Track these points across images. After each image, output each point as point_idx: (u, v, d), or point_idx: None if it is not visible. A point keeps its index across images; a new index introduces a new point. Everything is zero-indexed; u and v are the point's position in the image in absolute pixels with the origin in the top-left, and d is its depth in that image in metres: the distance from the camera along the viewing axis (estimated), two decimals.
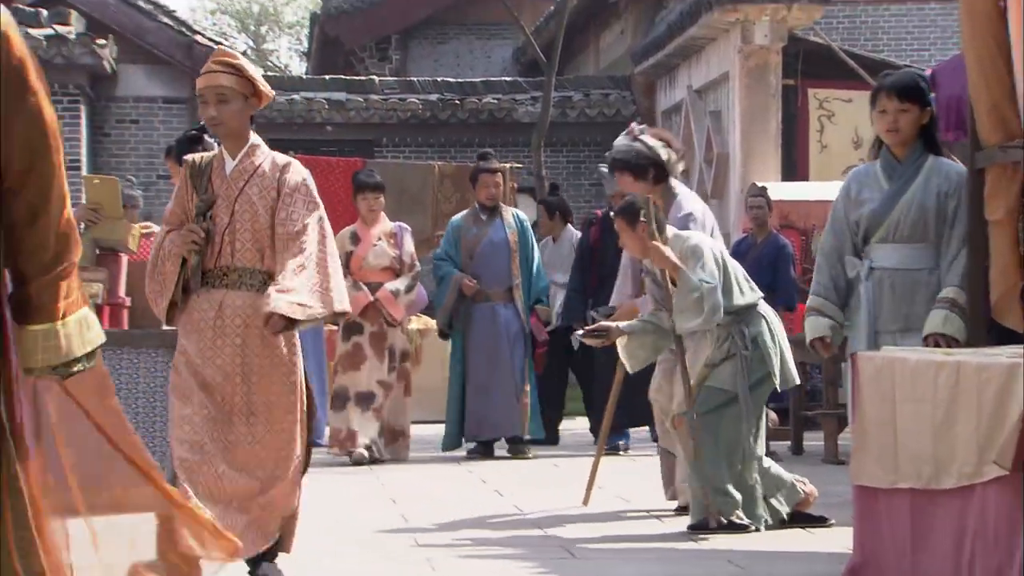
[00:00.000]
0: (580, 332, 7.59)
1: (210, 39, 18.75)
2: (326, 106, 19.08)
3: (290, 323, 5.65)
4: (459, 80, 20.31)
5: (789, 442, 11.01)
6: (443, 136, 19.26)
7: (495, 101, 19.44)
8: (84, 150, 17.22)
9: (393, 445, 10.75)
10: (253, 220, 5.80)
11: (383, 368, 10.70)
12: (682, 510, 7.45)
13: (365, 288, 10.69)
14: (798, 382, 7.50)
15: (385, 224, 10.98)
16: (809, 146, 16.14)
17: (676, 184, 7.81)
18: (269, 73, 27.83)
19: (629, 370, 7.51)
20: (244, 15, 44.70)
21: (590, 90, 19.65)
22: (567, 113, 19.18)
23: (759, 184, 13.03)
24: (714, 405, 7.07)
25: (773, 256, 11.91)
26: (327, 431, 10.96)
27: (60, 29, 16.92)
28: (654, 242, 7.05)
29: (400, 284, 10.78)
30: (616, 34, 21.19)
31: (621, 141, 7.70)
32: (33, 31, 16.78)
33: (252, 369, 5.78)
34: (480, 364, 11.00)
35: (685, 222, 7.50)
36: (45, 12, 17.16)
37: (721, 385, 7.08)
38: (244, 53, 19.35)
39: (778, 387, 7.23)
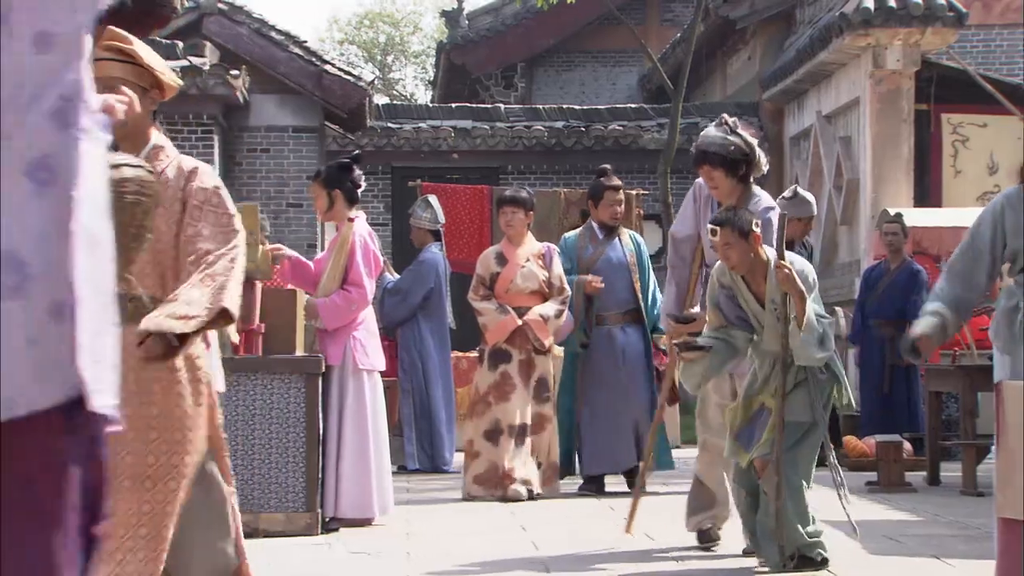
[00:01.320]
0: (678, 344, 6.96)
1: (339, 69, 18.92)
2: (452, 134, 19.18)
3: (169, 349, 4.44)
4: (584, 107, 20.31)
5: (925, 472, 10.82)
6: (568, 163, 19.26)
7: (620, 128, 19.40)
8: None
9: (551, 485, 9.99)
10: (154, 238, 4.60)
11: (531, 398, 9.93)
12: (749, 553, 7.06)
13: (512, 312, 9.97)
14: (856, 405, 7.14)
15: (533, 244, 10.22)
16: (943, 172, 15.91)
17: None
18: (396, 102, 28.07)
19: (690, 390, 7.08)
20: (371, 45, 45.16)
21: (717, 116, 19.53)
22: (693, 139, 19.01)
23: (893, 211, 12.87)
24: (793, 441, 6.64)
25: (907, 283, 11.75)
26: (453, 460, 10.65)
27: (195, 60, 17.19)
28: (784, 263, 6.56)
29: (550, 309, 9.97)
30: (743, 60, 21.07)
31: (715, 133, 7.25)
32: (169, 63, 17.00)
33: (150, 423, 4.65)
34: (595, 392, 10.15)
35: (767, 215, 7.11)
36: (180, 44, 17.44)
37: (797, 417, 6.64)
38: (371, 83, 19.48)
39: (855, 407, 7.03)
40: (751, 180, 7.26)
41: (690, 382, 6.90)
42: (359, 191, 8.90)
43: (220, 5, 18.47)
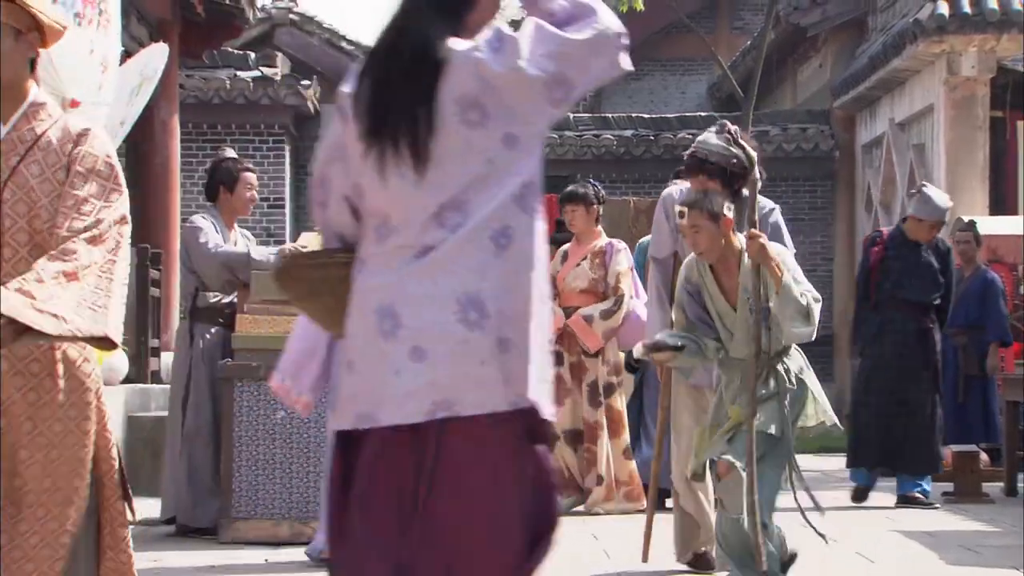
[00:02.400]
0: (639, 349, 6.54)
1: None
2: None
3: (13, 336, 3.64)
4: (653, 116, 20.27)
5: (1002, 483, 10.69)
6: (638, 172, 19.23)
7: (690, 136, 19.28)
8: (288, 188, 17.54)
9: (610, 502, 9.49)
10: (31, 212, 3.90)
11: (584, 403, 9.54)
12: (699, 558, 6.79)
13: (561, 312, 9.53)
14: (836, 421, 6.27)
15: (598, 242, 9.70)
16: (1019, 179, 15.75)
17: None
18: None
19: (685, 378, 6.72)
20: None
21: (787, 124, 19.45)
22: (764, 148, 18.99)
23: (966, 219, 12.74)
24: (760, 452, 5.96)
25: (981, 291, 11.62)
26: None
27: (267, 71, 17.31)
28: (755, 231, 5.94)
29: (594, 309, 9.51)
30: (814, 67, 20.96)
31: (716, 141, 6.56)
32: (241, 73, 17.19)
33: (21, 440, 3.89)
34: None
35: (772, 217, 6.76)
36: (253, 55, 17.57)
37: (767, 429, 5.98)
38: None
39: (834, 424, 6.16)
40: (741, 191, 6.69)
41: (686, 374, 6.67)
42: None
43: (292, 16, 18.60)
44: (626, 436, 9.63)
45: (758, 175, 6.31)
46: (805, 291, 5.91)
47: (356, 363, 3.02)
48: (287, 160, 17.55)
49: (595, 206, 9.62)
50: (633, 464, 9.60)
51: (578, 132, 19.33)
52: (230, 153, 8.77)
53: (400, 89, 3.01)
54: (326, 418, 8.12)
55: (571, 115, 20.35)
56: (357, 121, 3.08)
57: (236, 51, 17.27)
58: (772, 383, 6.02)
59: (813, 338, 5.93)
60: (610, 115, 20.46)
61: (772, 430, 5.95)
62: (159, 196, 12.88)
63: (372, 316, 3.00)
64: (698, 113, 21.04)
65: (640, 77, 25.19)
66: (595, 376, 9.58)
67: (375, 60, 3.10)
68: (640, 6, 16.19)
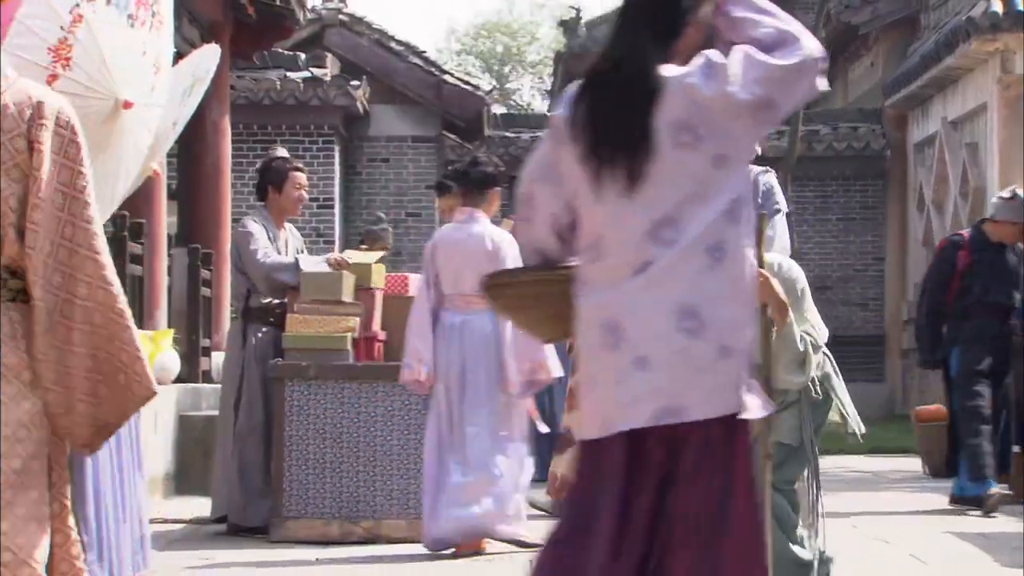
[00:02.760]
0: None
1: (458, 79, 19.00)
2: None
3: None
4: None
5: None
6: None
7: None
8: (337, 188, 17.60)
9: None
10: None
11: None
12: None
13: None
14: (863, 430, 5.95)
15: None
16: None
17: None
18: (513, 111, 28.16)
19: None
20: (488, 56, 45.35)
21: (838, 123, 19.35)
22: (814, 147, 18.92)
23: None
24: (776, 462, 5.55)
25: None
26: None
27: (316, 72, 17.37)
28: (762, 272, 5.40)
29: None
30: (866, 66, 20.84)
31: None
32: (291, 74, 17.26)
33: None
34: None
35: (761, 178, 6.26)
36: (303, 56, 17.63)
37: (785, 439, 5.66)
38: (489, 92, 19.55)
39: (858, 433, 5.86)
40: None
41: None
42: None
43: (341, 17, 18.64)
44: None
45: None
46: (807, 334, 5.57)
47: (591, 376, 3.28)
48: (336, 160, 17.59)
49: None
50: None
51: None
52: (281, 152, 8.82)
53: (618, 114, 3.23)
54: (375, 418, 8.16)
55: None
56: (574, 144, 3.29)
57: (286, 52, 17.33)
58: (792, 392, 5.68)
59: (804, 384, 5.61)
60: None
61: (790, 440, 5.68)
62: (210, 197, 12.94)
63: (597, 331, 3.24)
64: None
65: None
66: None
67: (592, 87, 3.31)
68: None
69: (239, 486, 8.27)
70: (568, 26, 26.46)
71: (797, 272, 5.77)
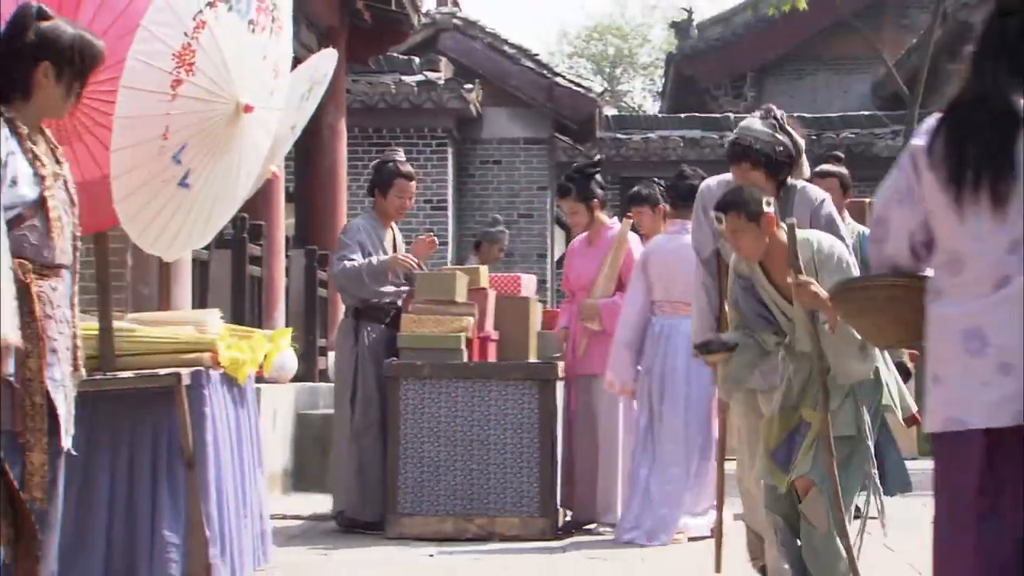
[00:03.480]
0: (698, 346, 5.99)
1: (570, 81, 19.07)
2: (681, 144, 19.21)
3: None
4: (816, 115, 20.10)
5: None
6: None
7: (853, 135, 19.18)
8: (450, 190, 17.75)
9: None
10: None
11: None
12: None
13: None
14: (915, 409, 5.78)
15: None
16: None
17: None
18: (623, 113, 28.20)
19: (725, 397, 6.14)
20: (600, 58, 45.37)
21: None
22: None
23: None
24: (841, 459, 5.49)
25: None
26: None
27: (431, 75, 17.53)
28: (803, 278, 5.40)
29: None
30: None
31: (761, 127, 6.03)
32: (406, 78, 17.44)
33: None
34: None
35: (824, 210, 6.08)
36: (417, 60, 17.81)
37: (841, 431, 5.51)
38: (601, 94, 19.62)
39: (900, 418, 5.73)
40: (787, 182, 6.15)
41: (724, 388, 5.96)
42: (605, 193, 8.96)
43: (455, 21, 18.80)
44: None
45: (794, 216, 5.71)
46: None
47: (941, 377, 3.59)
48: (450, 162, 17.75)
49: (660, 206, 9.27)
50: None
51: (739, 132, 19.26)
52: (397, 156, 8.83)
53: (982, 142, 3.54)
54: (488, 417, 8.25)
55: (731, 115, 20.28)
56: (934, 170, 3.60)
57: (401, 56, 17.51)
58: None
59: (871, 375, 5.52)
60: None
61: (849, 431, 5.53)
62: (326, 199, 13.13)
63: (956, 338, 3.56)
64: (862, 112, 20.81)
65: (802, 76, 24.99)
66: None
67: (955, 119, 3.61)
68: (803, 5, 16.10)
69: (356, 483, 8.40)
70: (680, 28, 26.44)
71: (836, 245, 5.63)
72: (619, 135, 20.30)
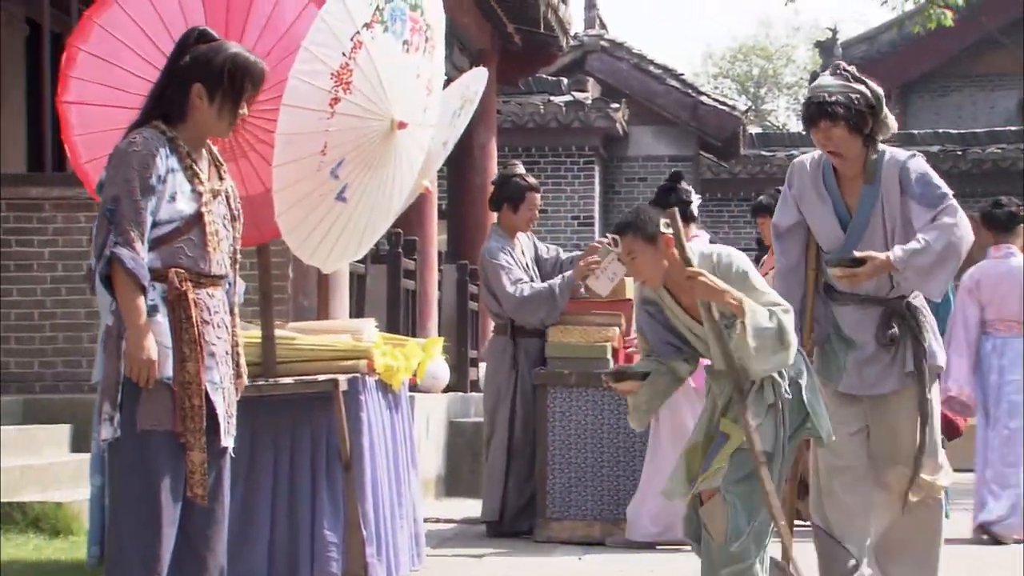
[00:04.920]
0: (607, 374, 5.57)
1: (714, 99, 19.16)
2: None
3: None
4: (961, 131, 19.94)
5: None
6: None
7: (999, 151, 19.00)
8: (597, 207, 17.92)
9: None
10: None
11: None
12: None
13: None
14: (835, 437, 5.42)
15: None
16: None
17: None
18: (768, 131, 28.15)
19: (637, 427, 5.61)
20: (744, 78, 45.20)
21: None
22: None
23: None
24: (745, 472, 5.20)
25: None
26: None
27: (578, 95, 17.75)
28: (693, 270, 5.11)
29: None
30: None
31: (832, 81, 5.58)
32: (554, 98, 17.66)
33: None
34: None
35: (911, 162, 5.57)
36: (565, 80, 18.03)
37: (761, 445, 5.20)
38: (745, 112, 19.66)
39: (824, 441, 5.33)
40: (877, 142, 5.63)
41: (635, 417, 5.47)
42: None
43: (602, 43, 19.00)
44: None
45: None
46: (770, 305, 5.13)
47: None
48: (596, 180, 17.91)
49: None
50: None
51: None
52: (519, 169, 8.77)
53: None
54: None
55: None
56: None
57: (550, 77, 17.73)
58: (769, 392, 5.21)
59: (791, 361, 5.15)
60: (916, 131, 20.22)
61: (767, 447, 5.18)
62: (477, 215, 13.32)
63: None
64: (1008, 128, 20.59)
65: (947, 93, 24.74)
66: None
67: None
68: (949, 22, 16.02)
69: (506, 488, 8.56)
70: (824, 47, 26.32)
71: (735, 256, 5.28)
72: (763, 152, 20.32)
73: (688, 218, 8.48)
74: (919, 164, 5.61)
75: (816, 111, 5.51)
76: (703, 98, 18.79)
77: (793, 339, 5.13)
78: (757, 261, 9.11)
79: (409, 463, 6.84)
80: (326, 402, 6.10)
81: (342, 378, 6.10)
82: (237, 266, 4.71)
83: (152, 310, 4.41)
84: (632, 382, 5.36)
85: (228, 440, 4.58)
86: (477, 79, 7.08)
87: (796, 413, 5.25)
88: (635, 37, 53.53)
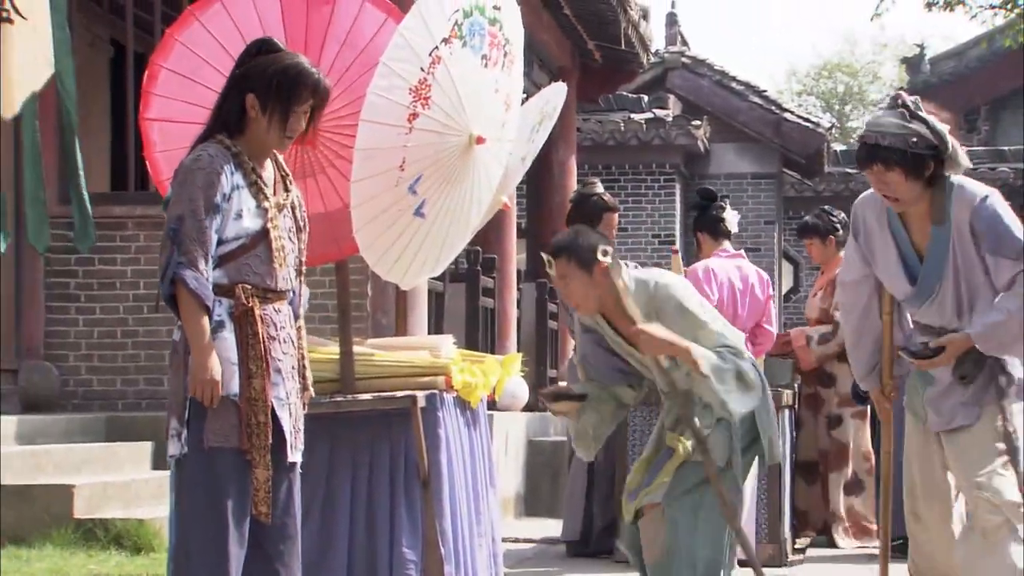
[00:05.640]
0: (543, 395, 5.48)
1: (798, 116, 19.04)
2: None
3: None
4: None
5: None
6: None
7: None
8: (678, 226, 17.86)
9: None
10: None
11: (822, 435, 9.23)
12: None
13: (791, 333, 9.34)
14: (775, 460, 5.32)
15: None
16: None
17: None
18: (853, 149, 28.02)
19: (584, 456, 5.54)
20: (829, 95, 44.97)
21: None
22: None
23: None
24: (694, 483, 5.13)
25: None
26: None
27: (659, 113, 17.71)
28: (636, 328, 5.00)
29: (814, 331, 9.17)
30: None
31: (889, 119, 5.04)
32: (635, 115, 17.63)
33: None
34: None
35: (990, 212, 5.00)
36: (646, 97, 18.00)
37: (714, 458, 5.15)
38: (829, 129, 19.51)
39: (766, 460, 5.25)
40: (946, 178, 5.10)
41: (581, 444, 5.41)
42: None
43: (683, 60, 18.95)
44: (848, 470, 9.23)
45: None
46: (719, 348, 5.02)
47: None
48: (677, 198, 17.85)
49: (832, 236, 9.22)
50: (856, 499, 9.24)
51: (972, 166, 18.99)
52: (598, 188, 8.68)
53: None
54: None
55: (964, 149, 19.99)
56: None
57: (630, 94, 17.71)
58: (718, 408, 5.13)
59: (762, 399, 5.06)
60: (1006, 148, 20.01)
61: (720, 462, 5.12)
62: (556, 233, 13.32)
63: None
64: None
65: None
66: (831, 408, 9.22)
67: None
68: None
69: (586, 508, 8.52)
70: (911, 63, 26.14)
71: (674, 285, 5.17)
72: (848, 170, 20.16)
73: (721, 234, 8.51)
74: (992, 208, 5.06)
75: (868, 154, 5.05)
76: (786, 115, 18.68)
77: (754, 379, 5.03)
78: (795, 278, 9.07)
79: (487, 481, 6.81)
80: (404, 418, 6.08)
81: (420, 394, 6.08)
82: (302, 276, 4.70)
83: (219, 326, 4.42)
84: (569, 403, 5.28)
85: (296, 455, 4.58)
86: (556, 94, 7.06)
87: (748, 430, 5.15)
88: (717, 54, 53.41)
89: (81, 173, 6.45)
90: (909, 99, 5.08)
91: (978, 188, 5.08)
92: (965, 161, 5.12)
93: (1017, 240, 4.98)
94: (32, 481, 7.35)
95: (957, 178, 5.11)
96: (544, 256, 5.37)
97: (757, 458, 5.32)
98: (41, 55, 6.12)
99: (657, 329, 4.99)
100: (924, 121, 5.03)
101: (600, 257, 5.12)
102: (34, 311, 9.45)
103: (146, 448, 8.63)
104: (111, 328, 9.42)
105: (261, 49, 4.55)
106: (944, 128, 5.11)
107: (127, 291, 9.46)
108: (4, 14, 5.99)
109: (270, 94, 4.46)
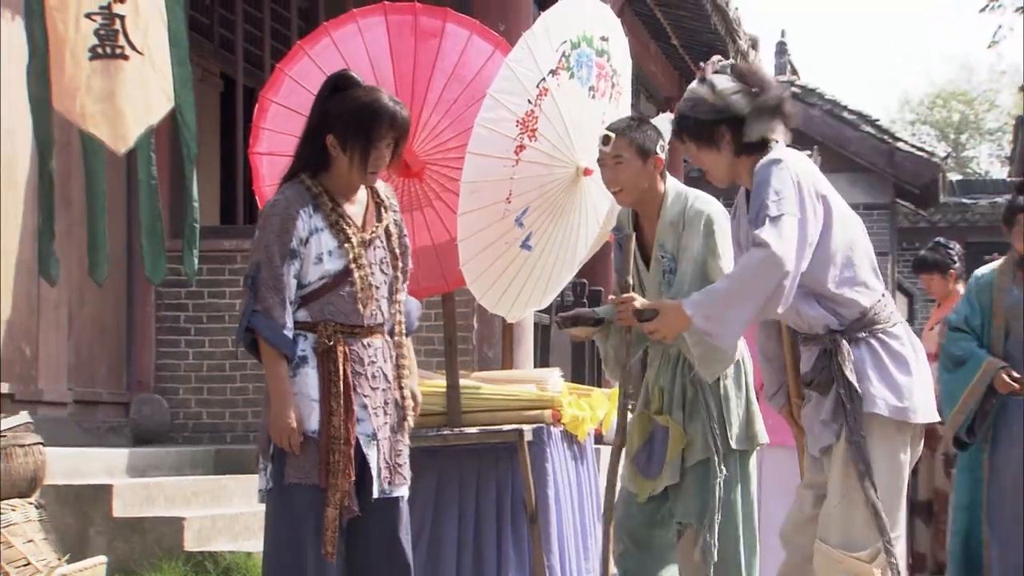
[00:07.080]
0: (558, 320, 5.40)
1: (911, 145, 18.83)
2: None
3: None
4: None
5: None
6: None
7: None
8: None
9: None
10: None
11: (939, 473, 8.97)
12: None
13: None
14: (766, 441, 5.18)
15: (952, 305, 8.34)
16: None
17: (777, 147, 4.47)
18: (969, 178, 27.64)
19: (611, 378, 5.51)
20: (944, 124, 44.43)
21: None
22: None
23: None
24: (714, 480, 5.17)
25: None
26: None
27: None
28: (625, 295, 4.80)
29: (933, 368, 9.06)
30: None
31: (691, 87, 4.49)
32: None
33: None
34: (1006, 491, 6.84)
35: (765, 170, 4.38)
36: None
37: (699, 456, 5.15)
38: (944, 158, 19.30)
39: (732, 445, 5.11)
40: (769, 146, 4.45)
41: (608, 367, 5.40)
42: None
43: (794, 89, 18.81)
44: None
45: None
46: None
47: None
48: None
49: (951, 270, 8.99)
50: None
51: None
52: None
53: None
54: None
55: None
56: None
57: None
58: (692, 397, 5.10)
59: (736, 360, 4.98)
60: None
61: (704, 454, 5.12)
62: None
63: None
64: None
65: None
66: (948, 446, 8.48)
67: None
68: None
69: None
70: None
71: (712, 207, 5.12)
72: (964, 200, 19.89)
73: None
74: (766, 171, 4.51)
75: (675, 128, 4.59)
76: (899, 144, 18.47)
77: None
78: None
79: (595, 515, 6.78)
80: (511, 452, 6.06)
81: (527, 428, 6.06)
82: (402, 295, 4.60)
83: (301, 361, 4.41)
84: (585, 328, 5.29)
85: (392, 489, 4.50)
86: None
87: (721, 403, 5.15)
88: (827, 83, 53.05)
89: (196, 206, 6.50)
90: (715, 63, 4.47)
91: (777, 152, 4.44)
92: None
93: (766, 207, 4.27)
94: (144, 513, 7.40)
95: (780, 149, 4.48)
96: (601, 133, 5.16)
97: None
98: (159, 90, 6.17)
99: (638, 300, 4.71)
100: (709, 84, 4.39)
101: (658, 152, 5.11)
102: (145, 345, 9.54)
103: (254, 481, 8.64)
104: (220, 361, 9.49)
105: (338, 84, 4.49)
106: (731, 86, 4.38)
107: (235, 324, 9.52)
108: (119, 50, 6.05)
109: (348, 133, 4.40)
